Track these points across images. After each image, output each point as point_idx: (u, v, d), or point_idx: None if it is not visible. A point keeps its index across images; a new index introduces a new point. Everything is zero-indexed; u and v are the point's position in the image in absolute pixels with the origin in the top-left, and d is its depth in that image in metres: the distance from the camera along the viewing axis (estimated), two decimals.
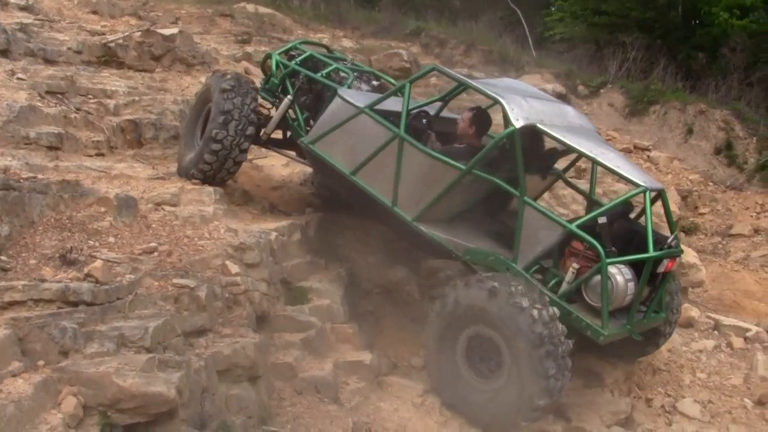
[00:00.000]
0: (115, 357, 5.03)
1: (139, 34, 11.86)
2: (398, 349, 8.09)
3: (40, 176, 6.61)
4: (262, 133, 8.59)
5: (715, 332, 9.66)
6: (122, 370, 4.86)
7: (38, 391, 4.54)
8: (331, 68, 8.74)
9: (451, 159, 7.17)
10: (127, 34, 11.87)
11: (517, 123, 6.93)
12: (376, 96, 8.04)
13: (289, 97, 8.55)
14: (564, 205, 11.24)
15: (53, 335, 4.93)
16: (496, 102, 7.18)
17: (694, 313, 9.82)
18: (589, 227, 6.81)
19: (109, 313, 5.39)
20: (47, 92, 9.10)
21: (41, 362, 4.83)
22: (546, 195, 9.01)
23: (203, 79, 11.02)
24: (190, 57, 12.44)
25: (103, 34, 12.07)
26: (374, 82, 9.03)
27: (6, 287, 5.05)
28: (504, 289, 6.57)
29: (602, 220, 6.84)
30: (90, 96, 9.69)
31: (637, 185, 6.95)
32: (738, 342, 9.37)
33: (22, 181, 6.15)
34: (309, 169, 9.82)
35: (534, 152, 7.49)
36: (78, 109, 9.17)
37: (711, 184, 14.77)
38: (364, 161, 7.61)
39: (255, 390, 6.15)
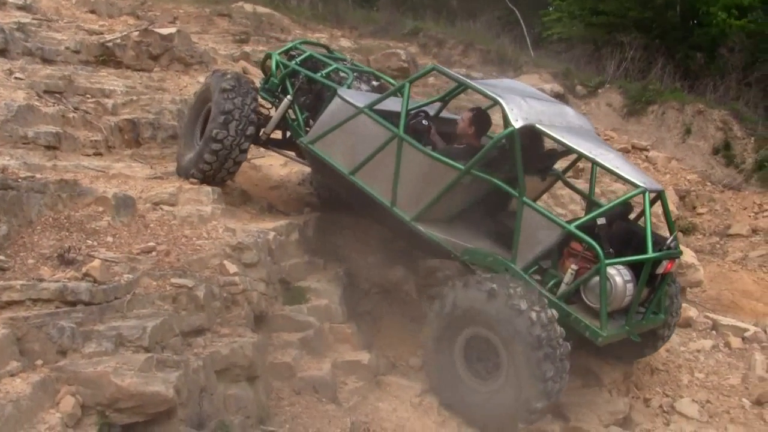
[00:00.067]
0: (114, 357, 5.03)
1: (137, 33, 11.85)
2: (397, 349, 8.08)
3: (38, 176, 6.60)
4: (261, 133, 8.58)
5: (713, 332, 9.67)
6: (120, 369, 4.85)
7: (36, 390, 4.53)
8: (330, 68, 8.73)
9: (450, 159, 7.16)
10: (125, 33, 11.85)
11: (517, 123, 6.92)
12: (376, 96, 8.03)
13: (288, 97, 8.54)
14: (562, 205, 11.24)
15: (51, 335, 4.92)
16: (496, 102, 7.17)
17: (693, 313, 9.82)
18: (588, 228, 6.81)
19: (107, 313, 5.39)
20: (45, 92, 9.09)
21: (39, 362, 4.82)
22: (544, 195, 9.00)
23: (201, 79, 11.02)
24: (188, 57, 12.42)
25: (101, 33, 12.05)
26: (374, 83, 9.03)
27: (4, 287, 5.04)
28: (503, 291, 6.56)
29: (601, 221, 6.84)
30: (88, 95, 9.68)
31: (636, 186, 6.94)
32: (736, 342, 9.38)
33: (20, 180, 6.14)
34: (307, 169, 9.82)
35: (533, 153, 7.48)
36: (76, 109, 9.15)
37: (709, 184, 14.79)
38: (363, 161, 7.61)
39: (253, 390, 6.15)
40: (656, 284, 7.15)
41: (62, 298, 5.19)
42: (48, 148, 8.06)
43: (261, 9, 18.47)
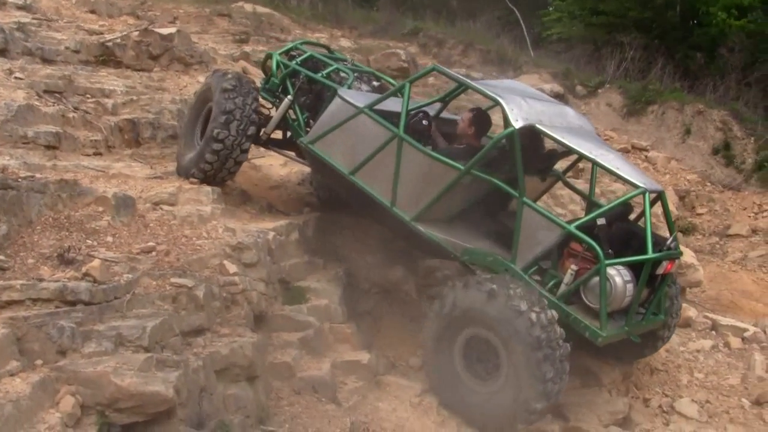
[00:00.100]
0: (113, 356, 5.03)
1: (137, 33, 11.85)
2: (396, 349, 8.09)
3: (38, 175, 6.60)
4: (262, 133, 8.58)
5: (713, 332, 9.67)
6: (120, 369, 4.85)
7: (36, 390, 4.53)
8: (331, 69, 8.74)
9: (450, 159, 7.16)
10: (125, 33, 11.85)
11: (517, 123, 6.92)
12: (376, 96, 8.03)
13: (289, 97, 8.54)
14: (562, 205, 11.24)
15: (51, 335, 4.92)
16: (496, 102, 7.17)
17: (692, 313, 9.82)
18: (588, 228, 6.81)
19: (107, 313, 5.39)
20: (45, 91, 9.09)
21: (39, 362, 4.82)
22: (544, 195, 9.00)
23: (201, 79, 11.03)
24: (188, 56, 12.42)
25: (101, 33, 12.05)
26: (374, 83, 9.03)
27: (4, 286, 5.04)
28: (503, 292, 6.56)
29: (601, 221, 6.84)
30: (88, 95, 9.68)
31: (636, 186, 6.94)
32: (735, 342, 9.38)
33: (20, 180, 6.13)
34: (307, 169, 9.82)
35: (533, 153, 7.48)
36: (76, 109, 9.16)
37: (709, 184, 14.80)
38: (363, 161, 7.61)
39: (253, 389, 6.15)
40: (656, 285, 7.15)
41: (62, 297, 5.19)
42: (48, 147, 8.06)
43: (261, 9, 18.48)
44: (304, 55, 9.05)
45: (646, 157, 15.26)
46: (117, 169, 8.33)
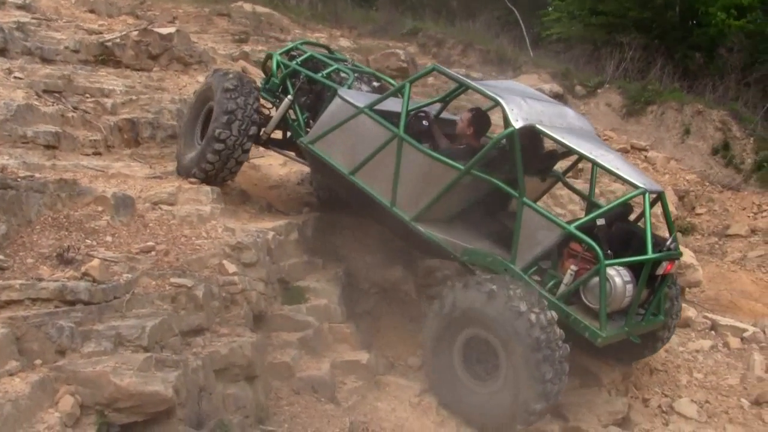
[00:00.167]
0: (113, 356, 5.03)
1: (136, 33, 11.85)
2: (396, 349, 8.08)
3: (37, 175, 6.59)
4: (262, 133, 8.57)
5: (712, 332, 9.67)
6: (119, 369, 4.85)
7: (35, 390, 4.53)
8: (331, 69, 8.74)
9: (450, 159, 7.16)
10: (124, 33, 11.85)
11: (517, 123, 6.92)
12: (376, 96, 8.03)
13: (289, 97, 8.54)
14: (561, 205, 11.24)
15: (50, 334, 4.91)
16: (496, 103, 7.17)
17: (691, 313, 9.82)
18: (588, 229, 6.81)
19: (107, 313, 5.39)
20: (44, 91, 9.10)
21: (38, 361, 4.82)
22: (543, 196, 9.00)
23: (200, 79, 11.03)
24: (188, 56, 12.42)
25: (101, 33, 12.05)
26: (374, 83, 9.02)
27: (3, 286, 5.04)
28: (502, 292, 6.56)
29: (600, 221, 6.83)
30: (87, 95, 9.68)
31: (636, 187, 6.94)
32: (735, 342, 9.38)
33: (19, 179, 6.13)
34: (306, 169, 9.81)
35: (533, 153, 7.48)
36: (75, 108, 9.15)
37: (708, 184, 14.80)
38: (363, 161, 7.61)
39: (252, 389, 6.15)
40: (656, 285, 7.15)
41: (61, 297, 5.19)
42: (47, 147, 8.07)
43: (260, 9, 18.49)
44: (305, 56, 9.05)
45: (645, 157, 15.26)
46: (116, 169, 8.33)
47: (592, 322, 6.64)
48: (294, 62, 8.88)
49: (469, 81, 7.87)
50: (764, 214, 13.84)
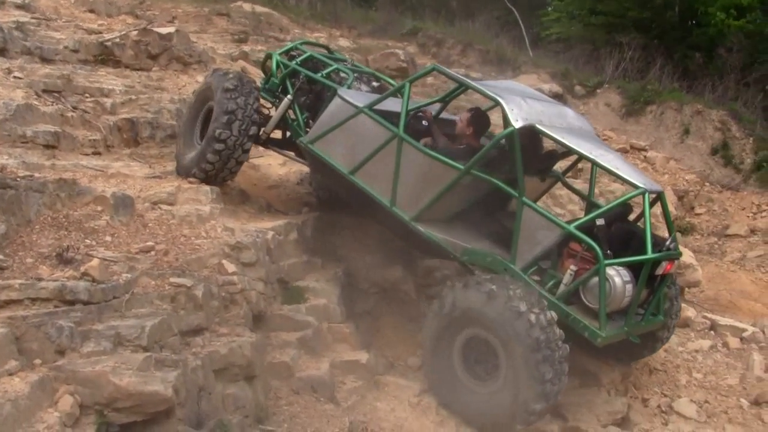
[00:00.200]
0: (112, 356, 5.03)
1: (135, 32, 11.86)
2: (395, 349, 8.08)
3: (36, 175, 6.58)
4: (261, 133, 8.57)
5: (712, 332, 9.66)
6: (119, 369, 4.85)
7: (35, 389, 4.53)
8: (331, 69, 8.74)
9: (450, 159, 7.16)
10: (124, 32, 11.86)
11: (517, 123, 6.92)
12: (376, 96, 8.03)
13: (289, 96, 8.54)
14: (560, 205, 11.25)
15: (50, 334, 4.91)
16: (496, 102, 7.17)
17: (691, 313, 9.82)
18: (588, 229, 6.81)
19: (106, 312, 5.39)
20: (44, 91, 9.09)
21: (38, 361, 4.82)
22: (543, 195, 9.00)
23: (200, 78, 11.03)
24: (187, 56, 12.42)
25: (100, 32, 12.05)
26: (374, 83, 9.03)
27: (3, 286, 5.04)
28: (502, 293, 6.56)
29: (600, 221, 6.83)
30: (87, 95, 9.68)
31: (636, 187, 6.94)
32: (734, 342, 9.38)
33: (18, 179, 6.12)
34: (305, 169, 9.81)
35: (533, 153, 7.48)
36: (75, 108, 9.15)
37: (707, 184, 14.79)
38: (363, 161, 7.60)
39: (251, 389, 6.15)
40: (656, 285, 7.15)
41: (61, 297, 5.19)
42: (47, 147, 8.06)
43: (260, 8, 18.48)
44: (304, 55, 9.05)
45: (644, 157, 15.26)
46: (116, 169, 8.33)
47: (591, 321, 6.64)
48: (293, 62, 8.87)
49: (469, 81, 7.87)
50: (763, 214, 13.84)
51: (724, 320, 9.90)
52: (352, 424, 6.45)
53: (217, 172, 8.20)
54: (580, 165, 9.89)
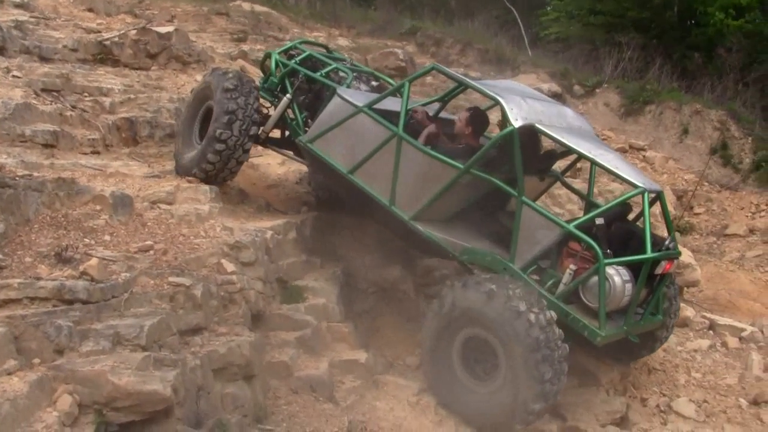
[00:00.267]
0: (111, 355, 5.02)
1: (134, 32, 11.85)
2: (394, 348, 8.08)
3: (35, 174, 6.59)
4: (260, 132, 8.56)
5: (710, 332, 9.67)
6: (118, 368, 4.84)
7: (33, 389, 4.52)
8: (330, 68, 8.73)
9: (449, 158, 7.16)
10: (122, 32, 11.85)
11: (516, 123, 6.92)
12: (375, 95, 8.03)
13: (288, 96, 8.54)
14: (559, 204, 11.24)
15: (48, 333, 4.91)
16: (496, 102, 7.17)
17: (690, 312, 9.82)
18: (587, 228, 6.80)
19: (105, 312, 5.38)
20: (43, 90, 9.09)
21: (36, 360, 4.81)
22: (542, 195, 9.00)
23: (199, 78, 11.01)
24: (186, 55, 12.42)
25: (99, 32, 12.05)
26: (373, 83, 9.03)
27: (1, 285, 5.04)
28: (501, 292, 6.55)
29: (599, 221, 6.83)
30: (86, 94, 9.68)
31: (635, 186, 6.94)
32: (733, 342, 9.38)
33: (17, 178, 6.13)
34: (304, 168, 9.81)
35: (532, 153, 7.48)
36: (73, 107, 9.15)
37: (706, 184, 14.79)
38: (362, 160, 7.60)
39: (250, 388, 6.14)
40: (655, 285, 7.15)
41: (59, 296, 5.19)
42: (45, 146, 8.06)
43: (259, 8, 18.48)
44: (303, 55, 9.04)
45: (643, 156, 15.27)
46: (114, 168, 8.32)
47: (591, 321, 6.63)
48: (292, 61, 8.87)
49: (468, 80, 7.87)
50: (762, 213, 13.85)
51: (722, 320, 9.90)
52: (351, 424, 6.44)
53: (218, 172, 8.19)
54: (579, 164, 9.90)
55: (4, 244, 5.59)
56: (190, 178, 8.15)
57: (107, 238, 6.33)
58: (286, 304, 7.57)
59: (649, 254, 6.67)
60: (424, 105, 8.13)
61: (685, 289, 10.46)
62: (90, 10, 14.05)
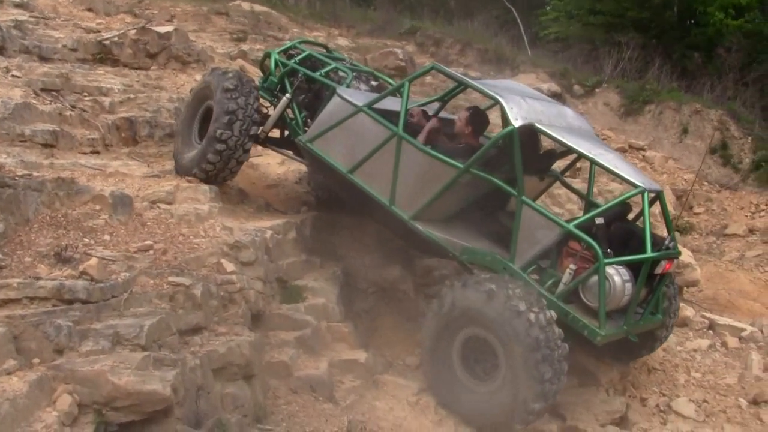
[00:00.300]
0: (110, 355, 5.03)
1: (134, 31, 11.84)
2: (394, 348, 8.08)
3: (35, 174, 6.59)
4: (260, 131, 8.56)
5: (710, 332, 9.67)
6: (117, 368, 4.85)
7: (33, 389, 4.52)
8: (329, 67, 8.73)
9: (449, 158, 7.15)
10: (122, 31, 11.84)
11: (516, 122, 6.92)
12: (375, 95, 8.02)
13: (287, 95, 8.53)
14: (559, 204, 11.24)
15: (48, 333, 4.91)
16: (496, 101, 7.17)
17: (689, 312, 9.82)
18: (587, 228, 6.80)
19: (104, 311, 5.38)
20: (42, 90, 9.08)
21: (36, 360, 4.81)
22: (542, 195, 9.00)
23: (198, 77, 11.01)
24: (186, 55, 12.41)
25: (99, 31, 12.04)
26: (373, 82, 9.02)
27: (1, 285, 5.04)
28: (501, 292, 6.55)
29: (599, 220, 6.83)
30: (85, 93, 9.67)
31: (635, 186, 6.94)
32: (733, 341, 9.38)
33: (17, 178, 6.13)
34: (304, 168, 9.81)
35: (532, 152, 7.47)
36: (73, 107, 9.14)
37: (706, 183, 14.80)
38: (362, 160, 7.60)
39: (250, 388, 6.14)
40: (654, 284, 7.14)
41: (59, 296, 5.19)
42: (45, 146, 8.06)
43: (258, 7, 18.46)
44: (303, 54, 9.03)
45: (643, 156, 15.27)
46: (114, 168, 8.32)
47: (591, 320, 6.63)
48: (292, 61, 8.86)
49: (468, 80, 7.87)
50: (762, 213, 13.85)
51: (722, 320, 9.90)
52: (351, 424, 6.44)
53: (218, 171, 8.19)
54: (578, 164, 9.90)
55: (3, 243, 5.59)
56: (189, 178, 8.14)
57: (107, 237, 6.33)
58: (286, 303, 7.57)
59: (649, 254, 6.67)
60: (423, 105, 8.13)
61: (685, 288, 10.46)
62: (89, 9, 14.03)
